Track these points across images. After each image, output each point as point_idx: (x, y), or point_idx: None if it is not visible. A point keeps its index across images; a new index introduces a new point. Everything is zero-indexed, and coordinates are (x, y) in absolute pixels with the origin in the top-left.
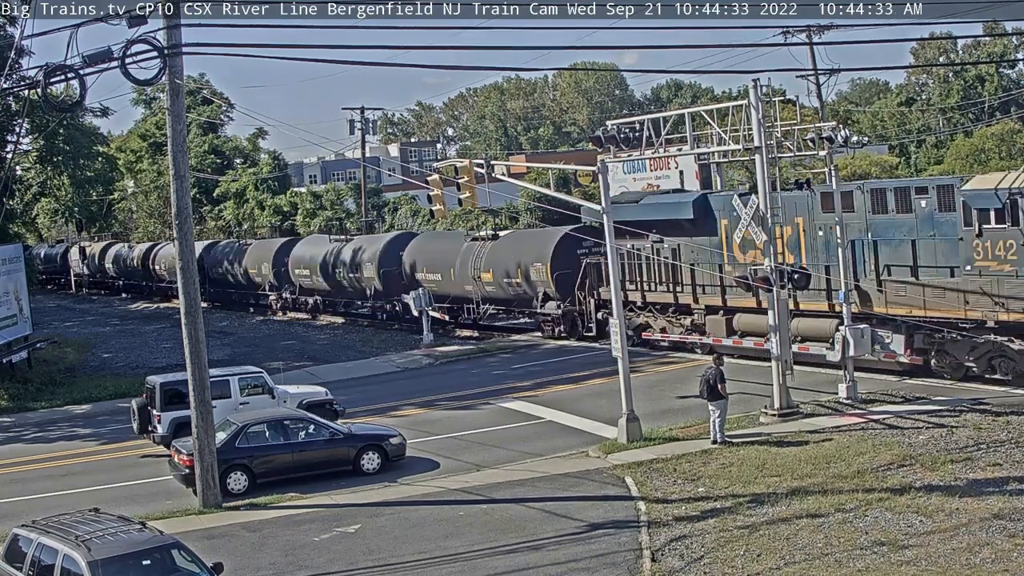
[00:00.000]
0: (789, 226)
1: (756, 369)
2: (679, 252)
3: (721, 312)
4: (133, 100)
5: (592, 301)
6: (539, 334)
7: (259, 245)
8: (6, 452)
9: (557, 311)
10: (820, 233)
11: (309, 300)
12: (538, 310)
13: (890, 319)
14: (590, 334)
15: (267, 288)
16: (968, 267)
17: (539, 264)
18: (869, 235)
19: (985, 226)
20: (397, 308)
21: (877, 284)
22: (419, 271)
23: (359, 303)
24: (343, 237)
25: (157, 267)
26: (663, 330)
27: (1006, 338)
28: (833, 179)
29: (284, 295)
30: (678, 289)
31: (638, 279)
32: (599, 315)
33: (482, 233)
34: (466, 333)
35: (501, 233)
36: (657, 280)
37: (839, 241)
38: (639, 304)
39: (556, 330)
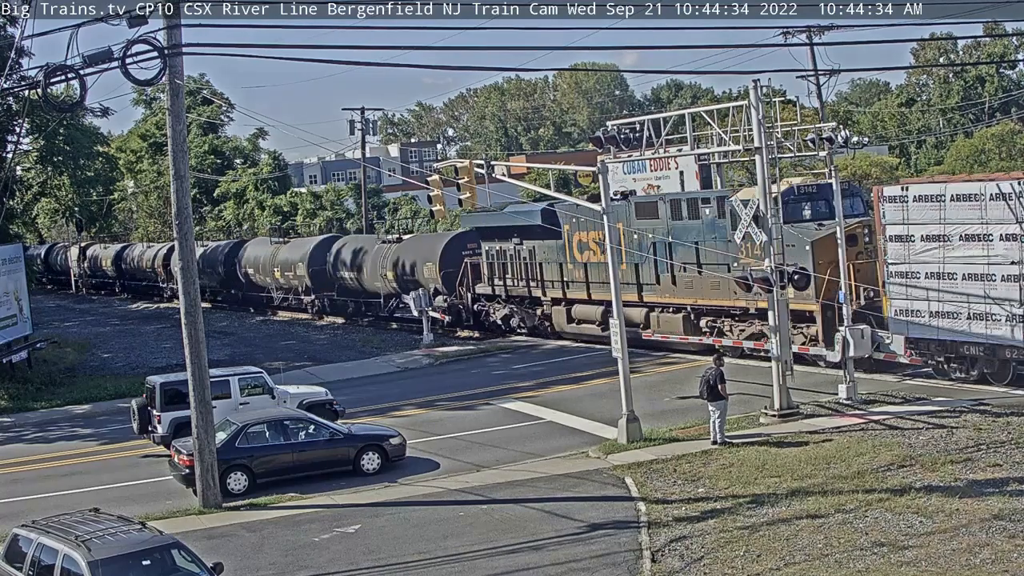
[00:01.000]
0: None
1: (756, 369)
2: (534, 253)
3: (563, 303)
4: (133, 100)
5: (469, 296)
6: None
7: (213, 248)
8: (6, 452)
9: (444, 304)
10: (635, 236)
11: (261, 295)
12: (434, 304)
13: (681, 306)
14: (469, 323)
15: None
16: (736, 264)
17: (430, 263)
18: (669, 237)
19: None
20: (326, 303)
21: (672, 278)
22: (340, 270)
23: (291, 298)
24: (283, 239)
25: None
26: (522, 319)
27: (765, 322)
28: (834, 179)
29: (232, 291)
30: (532, 285)
31: (504, 276)
32: (475, 307)
33: (390, 236)
34: (465, 334)
35: (405, 236)
36: (517, 277)
37: (840, 241)
38: (503, 297)
39: (444, 319)
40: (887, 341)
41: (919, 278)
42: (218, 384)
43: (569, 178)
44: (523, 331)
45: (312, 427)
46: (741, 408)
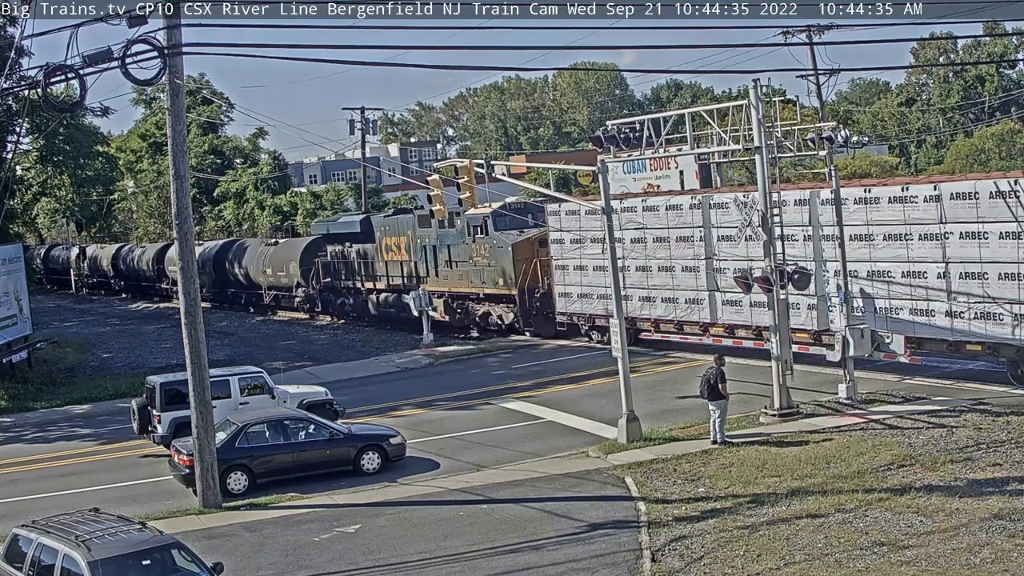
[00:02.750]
0: (404, 236)
1: (756, 369)
2: (359, 253)
3: (375, 293)
4: (133, 100)
5: (318, 287)
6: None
7: (149, 248)
8: (6, 452)
9: (302, 295)
10: (418, 242)
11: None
12: (293, 294)
13: (443, 292)
14: (318, 310)
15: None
16: (470, 261)
17: (293, 263)
18: (439, 241)
19: (477, 236)
20: (228, 295)
21: (436, 272)
22: (233, 267)
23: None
24: (199, 242)
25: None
26: (351, 307)
27: (488, 304)
28: (833, 179)
29: (163, 286)
30: (356, 278)
31: (341, 272)
32: (320, 297)
33: (271, 240)
34: (326, 320)
35: (280, 240)
36: (349, 272)
37: (838, 240)
38: (339, 288)
39: (303, 308)
40: (887, 340)
41: (568, 270)
42: (218, 384)
43: (569, 178)
44: (353, 314)
45: (312, 427)
46: (741, 408)
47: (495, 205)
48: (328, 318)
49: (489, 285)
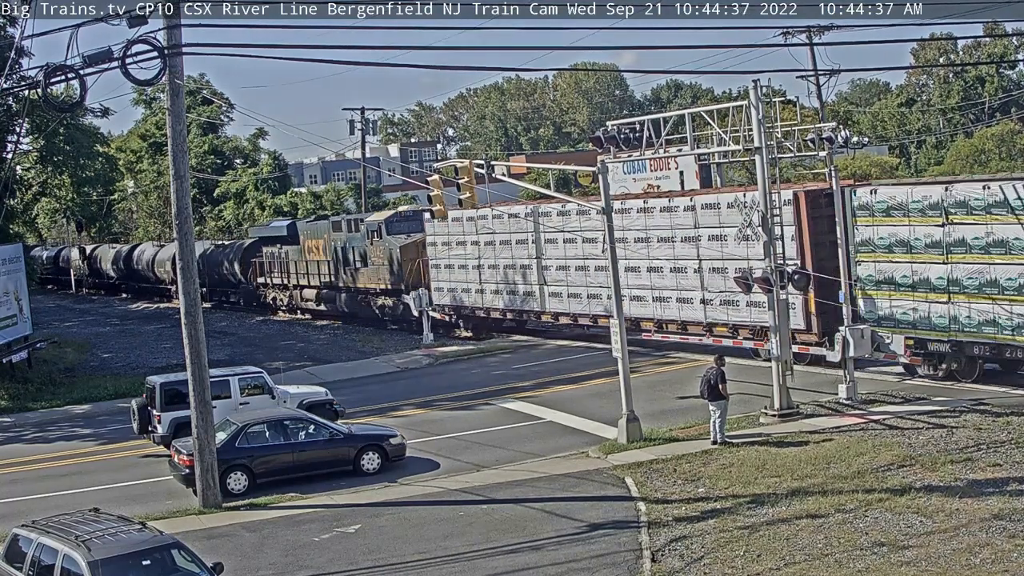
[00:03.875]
0: (321, 239)
1: (756, 369)
2: (287, 255)
3: (298, 288)
4: (133, 100)
5: (255, 283)
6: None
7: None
8: (6, 452)
9: (241, 290)
10: (333, 244)
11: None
12: (236, 290)
13: (349, 288)
14: (254, 305)
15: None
16: (370, 261)
17: (237, 261)
18: (347, 243)
19: (374, 239)
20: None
21: (344, 271)
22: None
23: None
24: (161, 244)
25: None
26: (283, 299)
27: (388, 296)
28: (833, 179)
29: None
30: (285, 276)
31: (272, 271)
32: (257, 293)
33: (218, 242)
34: (466, 334)
35: (226, 241)
36: (279, 272)
37: (840, 242)
38: (271, 285)
39: (241, 302)
40: (887, 340)
41: (440, 268)
42: (218, 384)
43: (569, 178)
44: (284, 309)
45: (312, 427)
46: (741, 408)
47: (388, 213)
48: (287, 315)
49: (383, 282)
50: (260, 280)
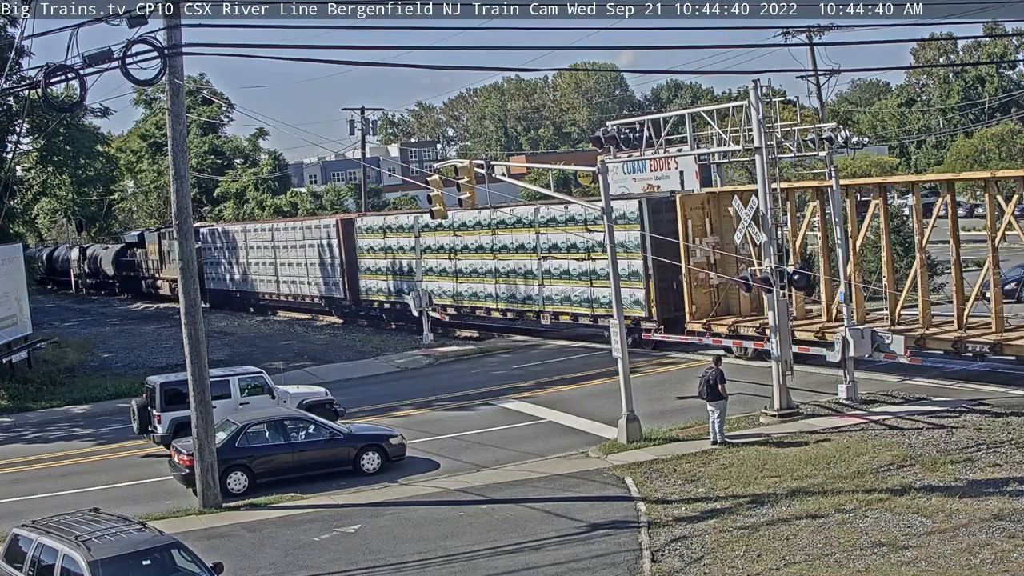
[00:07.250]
0: (154, 244)
1: (756, 369)
2: (141, 256)
3: (154, 279)
4: (133, 100)
5: (126, 275)
6: (535, 336)
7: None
8: (6, 452)
9: (118, 284)
10: (159, 248)
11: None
12: (113, 283)
13: (167, 279)
14: (150, 295)
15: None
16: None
17: (111, 261)
18: (169, 248)
19: (173, 244)
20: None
21: (165, 266)
22: (96, 263)
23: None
24: (105, 244)
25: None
26: (142, 288)
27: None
28: (833, 179)
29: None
30: (142, 271)
31: (135, 268)
32: (123, 285)
33: (104, 244)
34: (467, 333)
35: (108, 244)
36: (137, 268)
37: (839, 243)
38: (132, 277)
39: (115, 290)
40: (887, 341)
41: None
42: (218, 384)
43: (569, 178)
44: (149, 293)
45: (312, 427)
46: (741, 408)
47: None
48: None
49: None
50: (129, 273)
